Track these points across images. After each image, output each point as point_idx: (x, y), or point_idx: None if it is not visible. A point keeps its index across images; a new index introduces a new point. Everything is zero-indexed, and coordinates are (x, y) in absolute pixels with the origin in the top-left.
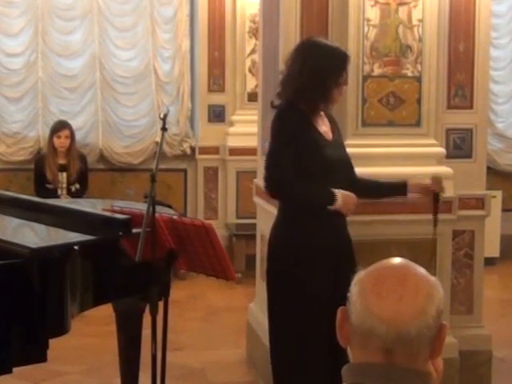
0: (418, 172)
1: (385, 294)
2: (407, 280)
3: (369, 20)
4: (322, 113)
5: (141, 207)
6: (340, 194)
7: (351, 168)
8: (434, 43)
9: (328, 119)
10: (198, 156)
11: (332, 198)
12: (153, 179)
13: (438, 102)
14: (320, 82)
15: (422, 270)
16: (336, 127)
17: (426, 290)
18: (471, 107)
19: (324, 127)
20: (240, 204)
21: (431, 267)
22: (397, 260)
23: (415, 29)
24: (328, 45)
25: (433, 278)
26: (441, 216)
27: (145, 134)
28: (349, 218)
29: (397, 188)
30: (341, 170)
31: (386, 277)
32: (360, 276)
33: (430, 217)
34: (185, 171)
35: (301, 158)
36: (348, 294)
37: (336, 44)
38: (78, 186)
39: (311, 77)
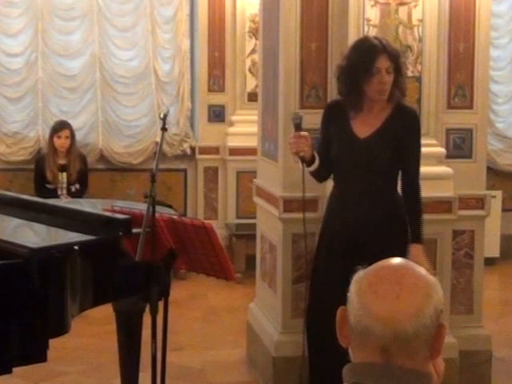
0: None
1: (382, 292)
2: (405, 279)
3: (369, 20)
4: (381, 108)
5: (141, 207)
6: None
7: (379, 170)
8: (434, 43)
9: (391, 115)
10: (198, 156)
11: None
12: (153, 179)
13: (438, 102)
14: (349, 78)
15: (421, 270)
16: (393, 124)
17: (424, 289)
18: (471, 107)
19: (362, 125)
20: (240, 204)
21: None
22: (396, 260)
23: (415, 29)
24: (358, 40)
25: (432, 278)
26: (441, 216)
27: (145, 134)
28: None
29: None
30: (357, 169)
31: (384, 276)
32: (359, 275)
33: (429, 217)
34: (185, 171)
35: (328, 149)
36: (348, 294)
37: (366, 38)
38: (78, 186)
39: (342, 74)
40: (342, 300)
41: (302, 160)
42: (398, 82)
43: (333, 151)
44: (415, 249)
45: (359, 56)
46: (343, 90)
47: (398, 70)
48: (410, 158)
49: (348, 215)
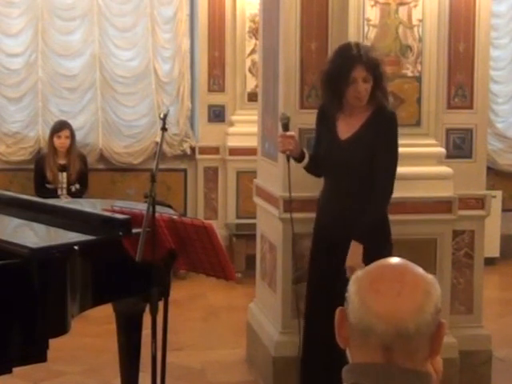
0: (418, 172)
1: (383, 290)
2: (405, 277)
3: (369, 20)
4: (362, 110)
5: (141, 207)
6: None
7: (356, 171)
8: (434, 43)
9: (370, 117)
10: (198, 156)
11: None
12: (153, 179)
13: (438, 102)
14: (329, 84)
15: (419, 269)
16: (371, 126)
17: (424, 287)
18: (471, 107)
19: (345, 126)
20: (240, 204)
21: None
22: (395, 259)
23: (415, 29)
24: (340, 47)
25: (430, 276)
26: (441, 216)
27: (145, 134)
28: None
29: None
30: (337, 169)
31: (384, 274)
32: (358, 275)
33: (429, 217)
34: (185, 171)
35: (320, 146)
36: (346, 294)
37: (346, 46)
38: (78, 186)
39: (323, 80)
40: (331, 295)
41: (289, 158)
42: (379, 86)
43: (321, 151)
44: (355, 246)
45: (337, 64)
46: (325, 94)
47: (377, 77)
48: (378, 159)
49: (332, 212)
